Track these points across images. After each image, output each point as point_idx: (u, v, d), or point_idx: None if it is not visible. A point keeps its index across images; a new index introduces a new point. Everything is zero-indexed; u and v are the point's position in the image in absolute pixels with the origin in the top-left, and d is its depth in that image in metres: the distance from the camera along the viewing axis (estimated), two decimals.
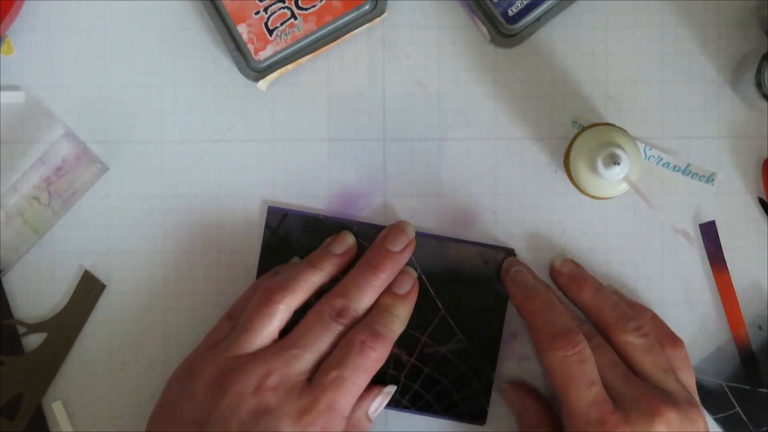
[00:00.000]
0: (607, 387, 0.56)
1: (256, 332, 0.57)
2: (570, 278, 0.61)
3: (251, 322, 0.57)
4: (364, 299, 0.58)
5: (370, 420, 0.60)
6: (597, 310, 0.59)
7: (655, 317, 0.61)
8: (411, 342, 0.62)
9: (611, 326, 0.58)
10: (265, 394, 0.54)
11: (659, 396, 0.55)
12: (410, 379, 0.62)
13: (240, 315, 0.59)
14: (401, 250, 0.60)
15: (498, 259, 0.62)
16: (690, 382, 0.58)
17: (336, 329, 0.57)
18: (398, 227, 0.61)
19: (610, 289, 0.62)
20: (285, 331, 0.58)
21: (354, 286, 0.59)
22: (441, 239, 0.62)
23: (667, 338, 0.59)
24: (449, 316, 0.62)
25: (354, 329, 0.57)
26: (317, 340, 0.57)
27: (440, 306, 0.62)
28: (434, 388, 0.62)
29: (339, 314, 0.57)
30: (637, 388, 0.56)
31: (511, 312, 0.62)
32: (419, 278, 0.62)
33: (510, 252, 0.62)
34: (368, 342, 0.57)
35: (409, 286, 0.60)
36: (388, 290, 0.60)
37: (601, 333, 0.59)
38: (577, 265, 0.62)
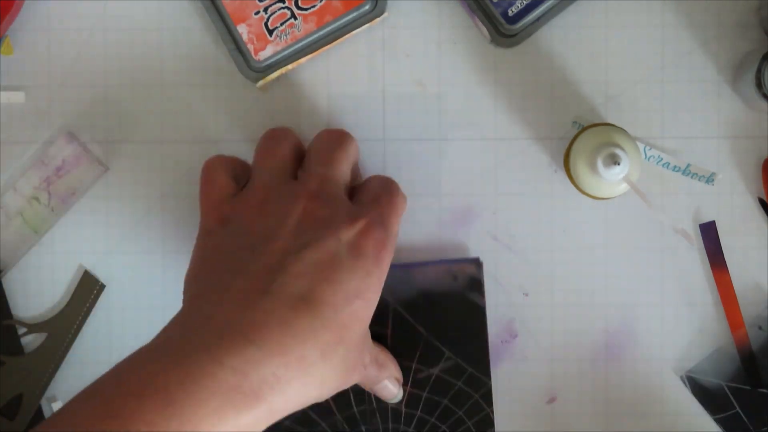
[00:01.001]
0: None
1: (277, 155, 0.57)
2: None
3: (269, 153, 0.57)
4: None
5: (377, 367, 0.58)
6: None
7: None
8: (402, 371, 0.61)
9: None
10: (313, 209, 0.53)
11: None
12: (411, 407, 0.62)
13: (233, 169, 0.57)
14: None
15: (466, 271, 0.62)
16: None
17: (339, 149, 0.57)
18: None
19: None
20: None
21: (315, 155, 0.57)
22: (405, 267, 0.62)
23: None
24: (433, 337, 0.62)
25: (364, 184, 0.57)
26: (329, 156, 0.56)
27: (422, 330, 0.62)
28: (437, 410, 0.61)
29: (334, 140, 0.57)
30: None
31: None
32: (395, 310, 0.62)
33: (476, 261, 0.62)
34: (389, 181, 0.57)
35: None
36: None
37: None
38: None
